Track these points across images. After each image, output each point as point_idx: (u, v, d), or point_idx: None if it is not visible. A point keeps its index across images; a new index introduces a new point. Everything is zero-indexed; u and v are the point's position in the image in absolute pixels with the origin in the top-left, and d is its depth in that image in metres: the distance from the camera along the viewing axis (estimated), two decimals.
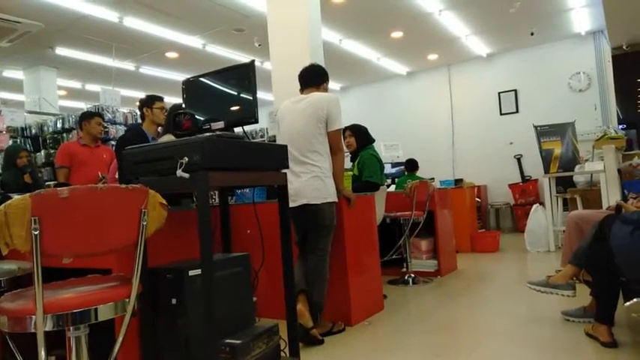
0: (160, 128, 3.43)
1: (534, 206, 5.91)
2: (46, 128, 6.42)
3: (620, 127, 6.76)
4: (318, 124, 2.86)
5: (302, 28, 4.47)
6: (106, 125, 5.30)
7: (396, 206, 4.37)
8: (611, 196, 4.67)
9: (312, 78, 3.08)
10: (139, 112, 3.63)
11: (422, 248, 4.74)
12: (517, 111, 8.39)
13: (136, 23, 6.04)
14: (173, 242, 2.23)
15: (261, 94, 2.16)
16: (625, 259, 2.25)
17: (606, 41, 7.22)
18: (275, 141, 3.46)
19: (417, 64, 8.97)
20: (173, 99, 6.91)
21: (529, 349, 2.49)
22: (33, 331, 1.29)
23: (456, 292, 3.98)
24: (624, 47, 6.87)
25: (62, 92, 8.52)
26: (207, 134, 1.89)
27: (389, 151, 7.17)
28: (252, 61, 2.13)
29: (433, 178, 6.76)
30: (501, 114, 8.53)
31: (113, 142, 5.38)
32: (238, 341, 1.88)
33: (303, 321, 2.68)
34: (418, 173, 6.28)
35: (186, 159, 1.73)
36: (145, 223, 1.51)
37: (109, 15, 5.73)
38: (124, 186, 1.48)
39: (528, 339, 2.63)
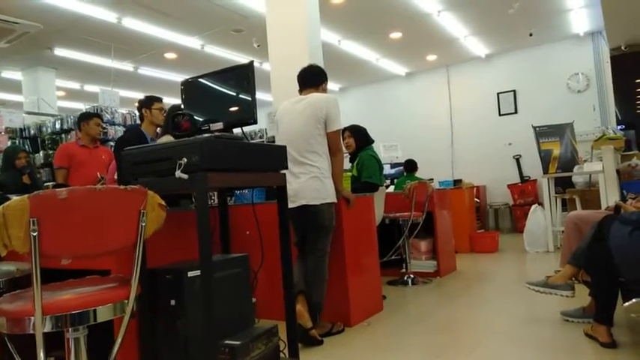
0: (158, 129, 3.43)
1: (533, 207, 5.91)
2: (44, 129, 6.42)
3: (619, 127, 6.76)
4: (317, 124, 2.86)
5: (301, 29, 4.46)
6: (104, 126, 5.30)
7: (395, 207, 4.37)
8: (609, 196, 4.67)
9: (311, 79, 3.08)
10: (137, 113, 3.63)
11: (421, 249, 4.74)
12: (516, 111, 8.40)
13: (134, 24, 6.04)
14: (172, 243, 2.22)
15: (260, 95, 2.16)
16: (624, 260, 2.26)
17: (605, 42, 7.23)
18: (274, 142, 3.46)
19: (416, 64, 8.97)
20: (172, 100, 6.87)
21: (528, 349, 2.49)
22: (32, 332, 1.29)
23: (455, 293, 3.98)
24: (623, 48, 6.88)
25: (61, 93, 8.52)
26: (206, 135, 1.89)
27: (388, 151, 7.17)
28: (251, 62, 2.13)
29: (432, 179, 6.77)
30: (500, 114, 8.54)
31: (112, 143, 5.38)
32: (237, 342, 1.88)
33: (303, 322, 2.68)
34: (417, 174, 6.28)
35: (185, 160, 1.72)
36: (143, 224, 1.50)
37: (108, 16, 5.72)
38: (122, 187, 1.48)
39: (527, 339, 2.63)
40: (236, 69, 2.20)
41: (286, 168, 2.16)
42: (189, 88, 2.28)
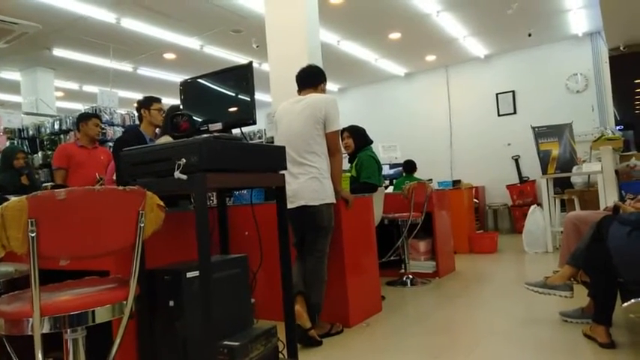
0: (157, 130, 3.42)
1: (532, 207, 5.91)
2: (43, 129, 6.41)
3: (618, 128, 6.77)
4: (315, 125, 2.86)
5: (300, 30, 4.46)
6: (103, 127, 5.29)
7: (394, 207, 4.37)
8: (608, 197, 4.67)
9: (310, 79, 3.08)
10: (136, 114, 3.62)
11: (420, 249, 4.74)
12: (515, 112, 8.40)
13: (133, 24, 6.04)
14: (171, 244, 2.22)
15: (259, 96, 2.16)
16: (622, 260, 2.26)
17: (603, 42, 7.25)
18: (273, 142, 3.46)
19: (415, 65, 8.98)
20: (171, 100, 6.86)
21: (527, 350, 2.49)
22: (30, 333, 1.29)
23: (454, 293, 3.98)
24: (621, 48, 6.89)
25: (59, 93, 8.51)
26: (205, 136, 1.89)
27: (387, 152, 7.17)
28: (250, 63, 2.13)
29: (431, 179, 6.76)
30: (499, 115, 8.55)
31: (111, 144, 5.37)
32: (236, 343, 1.88)
33: (302, 322, 2.68)
34: (416, 174, 6.29)
35: (184, 160, 1.72)
36: (142, 225, 1.50)
37: (107, 16, 5.72)
38: (121, 188, 1.48)
39: (526, 340, 2.63)
40: (235, 69, 2.20)
41: (285, 169, 2.16)
42: (188, 89, 2.28)
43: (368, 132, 4.25)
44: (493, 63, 8.63)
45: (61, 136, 6.15)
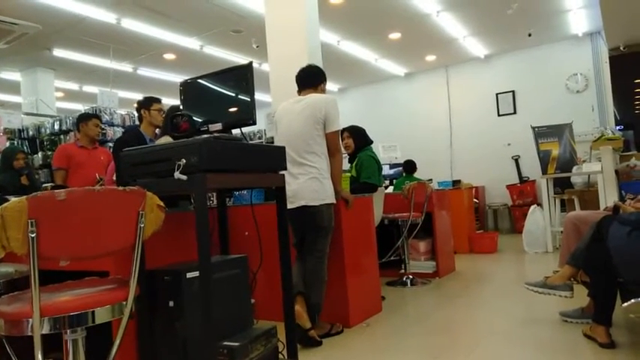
0: (157, 130, 3.42)
1: (532, 207, 5.91)
2: (43, 130, 6.41)
3: (618, 128, 6.77)
4: (315, 125, 2.86)
5: (300, 30, 4.46)
6: (103, 127, 5.29)
7: (394, 207, 4.37)
8: (608, 197, 4.67)
9: (310, 79, 3.08)
10: (136, 114, 3.62)
11: (420, 249, 4.74)
12: (515, 112, 8.40)
13: (133, 25, 6.04)
14: (171, 244, 2.22)
15: (259, 96, 2.17)
16: (622, 260, 2.26)
17: (603, 42, 7.25)
18: (273, 142, 3.46)
19: (415, 65, 8.98)
20: (171, 100, 6.88)
21: (527, 350, 2.49)
22: (30, 334, 1.29)
23: (454, 294, 3.98)
24: (621, 48, 6.89)
25: (59, 94, 8.51)
26: (205, 136, 1.89)
27: (387, 152, 7.17)
28: (250, 63, 2.13)
29: (431, 179, 6.76)
30: (499, 115, 8.55)
31: (111, 144, 5.37)
32: (236, 343, 1.88)
33: (301, 322, 2.68)
34: (416, 174, 6.28)
35: (184, 161, 1.72)
36: (142, 226, 1.50)
37: (107, 16, 5.72)
38: (121, 188, 1.48)
39: (526, 340, 2.63)
40: (235, 70, 2.20)
41: (285, 169, 2.16)
42: (188, 89, 2.28)
43: (368, 132, 4.25)
44: (493, 63, 8.63)
45: (61, 136, 6.16)
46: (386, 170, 6.90)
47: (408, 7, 6.14)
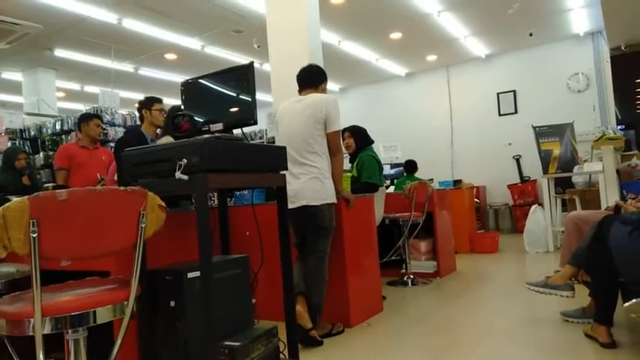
0: (158, 130, 3.43)
1: (533, 207, 5.91)
2: (44, 130, 6.41)
3: (619, 127, 6.76)
4: (316, 125, 2.86)
5: (301, 30, 4.46)
6: (104, 127, 5.30)
7: (395, 207, 4.37)
8: (609, 196, 4.67)
9: (310, 79, 3.08)
10: (137, 114, 3.62)
11: (421, 249, 4.74)
12: (516, 112, 8.40)
13: (134, 25, 6.04)
14: (172, 244, 2.22)
15: (260, 96, 2.16)
16: (624, 260, 2.26)
17: (605, 42, 7.24)
18: (274, 142, 3.46)
19: (416, 65, 8.97)
20: (172, 100, 6.88)
21: (528, 349, 2.49)
22: (31, 334, 1.29)
23: (455, 293, 3.98)
24: (623, 48, 6.88)
25: (61, 94, 8.52)
26: (206, 136, 1.89)
27: (388, 152, 7.17)
28: (251, 63, 2.13)
29: (432, 179, 6.77)
30: (500, 115, 8.54)
31: (112, 144, 5.38)
32: (237, 343, 1.88)
33: (302, 322, 2.68)
34: (417, 174, 6.28)
35: (185, 161, 1.72)
36: (143, 225, 1.50)
37: (108, 17, 5.72)
38: (122, 188, 1.48)
39: (527, 340, 2.63)
40: (236, 70, 2.20)
41: (286, 169, 2.16)
42: (189, 89, 2.29)
43: (369, 132, 4.25)
44: (494, 63, 8.62)
45: (63, 136, 6.16)
46: (387, 170, 6.90)
47: (409, 7, 6.14)
